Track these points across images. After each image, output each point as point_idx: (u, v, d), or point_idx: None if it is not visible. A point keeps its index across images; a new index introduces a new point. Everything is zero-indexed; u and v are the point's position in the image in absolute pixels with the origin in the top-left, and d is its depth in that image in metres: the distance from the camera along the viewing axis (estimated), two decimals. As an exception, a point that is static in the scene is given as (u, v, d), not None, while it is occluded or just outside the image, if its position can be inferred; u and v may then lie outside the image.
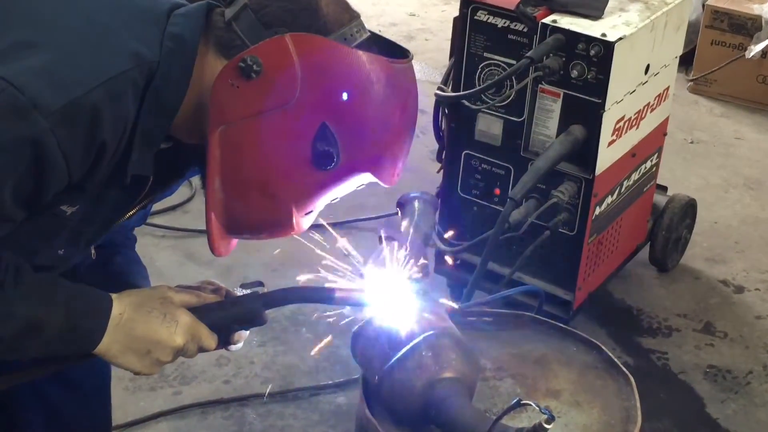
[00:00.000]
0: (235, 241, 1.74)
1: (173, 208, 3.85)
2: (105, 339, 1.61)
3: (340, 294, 1.78)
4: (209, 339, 1.73)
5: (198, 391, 3.11)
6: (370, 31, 1.64)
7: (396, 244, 1.90)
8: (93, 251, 1.82)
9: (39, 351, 1.60)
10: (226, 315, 1.76)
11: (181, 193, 3.85)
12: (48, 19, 1.51)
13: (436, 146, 3.33)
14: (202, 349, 1.73)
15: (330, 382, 3.14)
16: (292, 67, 1.54)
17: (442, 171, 3.30)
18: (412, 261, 1.88)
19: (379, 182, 1.70)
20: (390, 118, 1.63)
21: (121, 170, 1.56)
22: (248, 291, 1.80)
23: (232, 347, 1.82)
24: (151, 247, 3.68)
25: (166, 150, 1.63)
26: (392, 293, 1.83)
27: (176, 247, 3.72)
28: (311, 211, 1.70)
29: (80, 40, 1.50)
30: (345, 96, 1.58)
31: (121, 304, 1.64)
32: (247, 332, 1.83)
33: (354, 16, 1.62)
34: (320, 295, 1.79)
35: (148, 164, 1.58)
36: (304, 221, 1.70)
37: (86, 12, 1.54)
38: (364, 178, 1.68)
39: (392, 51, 1.68)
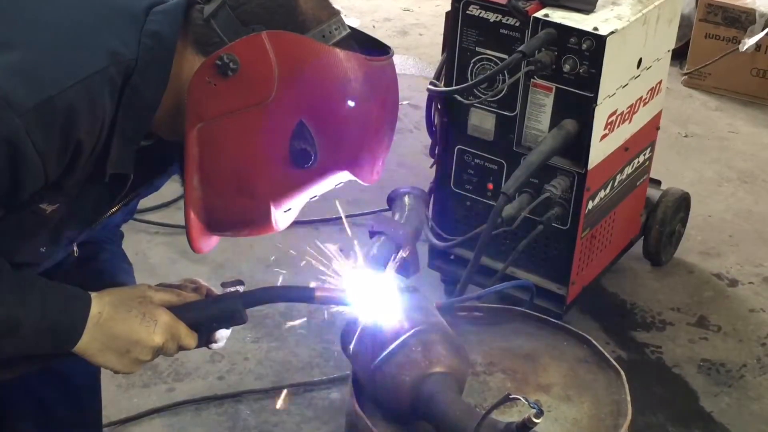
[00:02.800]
0: (216, 239, 1.73)
1: (166, 204, 3.84)
2: (84, 338, 1.61)
3: (321, 293, 1.77)
4: (189, 338, 1.73)
5: (192, 387, 3.10)
6: (350, 27, 1.63)
7: (383, 238, 1.90)
8: (75, 248, 1.81)
9: (17, 350, 1.60)
10: (206, 314, 1.75)
11: (174, 189, 3.80)
12: (24, 17, 1.50)
13: (430, 141, 3.33)
14: (181, 348, 1.73)
15: (324, 378, 3.14)
16: (268, 65, 1.53)
17: (435, 166, 3.30)
18: (398, 256, 1.88)
19: (358, 180, 1.69)
20: (368, 116, 1.62)
21: (101, 168, 1.55)
22: (229, 290, 1.79)
23: (213, 346, 1.82)
24: (145, 244, 3.68)
25: (148, 147, 1.63)
26: (375, 291, 1.82)
27: (170, 244, 3.71)
28: (290, 209, 1.69)
29: (57, 38, 1.49)
30: (322, 94, 1.57)
31: (100, 303, 1.63)
32: (228, 331, 1.82)
33: (333, 12, 1.60)
34: (300, 295, 1.78)
35: (127, 162, 1.57)
36: (283, 219, 1.69)
37: (63, 10, 1.52)
38: (343, 176, 1.67)
39: (373, 47, 1.67)
